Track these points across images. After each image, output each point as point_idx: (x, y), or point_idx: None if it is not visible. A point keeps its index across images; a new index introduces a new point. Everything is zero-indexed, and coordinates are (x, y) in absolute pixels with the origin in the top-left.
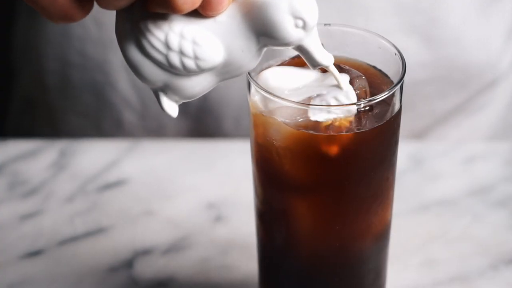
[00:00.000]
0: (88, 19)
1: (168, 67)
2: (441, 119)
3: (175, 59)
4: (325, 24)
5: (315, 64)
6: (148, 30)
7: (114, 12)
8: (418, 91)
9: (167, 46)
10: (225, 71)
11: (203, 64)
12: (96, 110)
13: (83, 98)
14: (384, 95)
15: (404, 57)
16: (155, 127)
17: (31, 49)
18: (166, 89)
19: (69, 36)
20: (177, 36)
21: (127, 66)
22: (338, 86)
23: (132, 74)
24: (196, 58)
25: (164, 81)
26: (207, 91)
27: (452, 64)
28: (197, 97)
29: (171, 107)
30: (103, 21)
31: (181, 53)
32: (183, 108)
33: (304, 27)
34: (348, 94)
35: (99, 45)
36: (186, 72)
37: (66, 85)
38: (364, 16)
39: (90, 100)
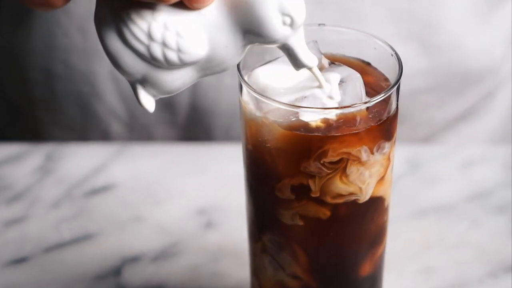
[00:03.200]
0: (73, 29)
1: (149, 59)
2: (440, 128)
3: (157, 50)
4: (319, 24)
5: (299, 65)
6: (130, 19)
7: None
8: (417, 100)
9: (150, 36)
10: (207, 67)
11: (185, 58)
12: (82, 123)
13: (68, 110)
14: (381, 97)
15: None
16: (143, 138)
17: (14, 59)
18: (144, 82)
19: (53, 46)
20: (160, 26)
21: (114, 77)
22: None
23: (120, 84)
24: (179, 50)
25: (143, 73)
26: (186, 87)
27: (451, 71)
28: (175, 93)
29: (148, 101)
30: (89, 30)
31: (164, 44)
32: (171, 118)
33: (292, 24)
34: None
35: (85, 55)
36: (167, 64)
37: (51, 96)
38: (359, 23)
39: (75, 112)
